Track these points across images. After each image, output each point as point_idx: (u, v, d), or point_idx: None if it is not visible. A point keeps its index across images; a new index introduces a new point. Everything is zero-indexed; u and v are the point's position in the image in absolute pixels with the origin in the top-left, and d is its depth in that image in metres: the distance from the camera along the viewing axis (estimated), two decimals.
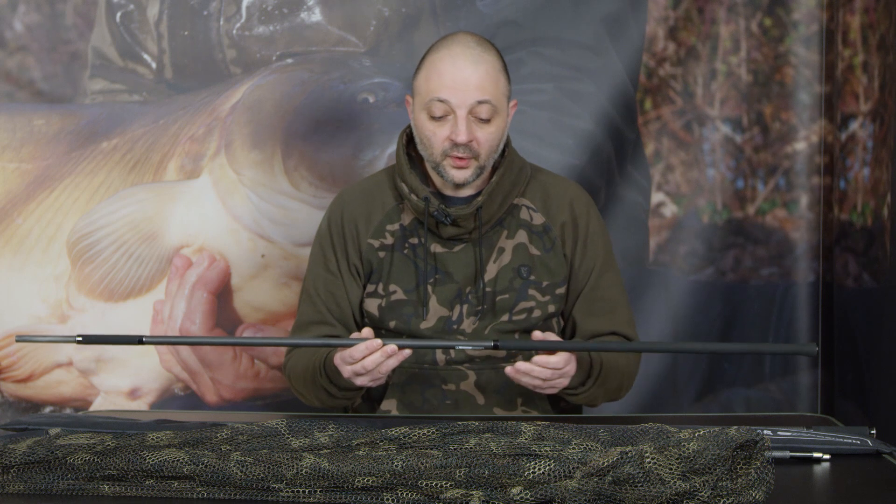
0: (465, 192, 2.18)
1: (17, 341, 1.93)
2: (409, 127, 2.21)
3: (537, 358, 1.97)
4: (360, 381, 1.99)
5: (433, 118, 2.11)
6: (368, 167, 2.92)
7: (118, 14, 3.02)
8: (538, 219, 2.20)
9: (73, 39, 3.03)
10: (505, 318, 2.16)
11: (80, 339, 1.90)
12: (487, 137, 2.11)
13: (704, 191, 3.05)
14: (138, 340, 1.91)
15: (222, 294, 3.00)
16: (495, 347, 1.94)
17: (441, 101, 2.09)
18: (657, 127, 3.04)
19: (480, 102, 2.09)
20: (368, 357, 1.93)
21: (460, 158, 2.10)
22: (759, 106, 3.04)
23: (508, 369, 1.99)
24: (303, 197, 2.96)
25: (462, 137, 2.08)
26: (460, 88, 2.08)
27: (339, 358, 1.99)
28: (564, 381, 2.03)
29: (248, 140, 2.98)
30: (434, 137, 2.11)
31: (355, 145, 2.96)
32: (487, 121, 2.10)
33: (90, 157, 3.02)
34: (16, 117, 3.03)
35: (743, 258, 3.06)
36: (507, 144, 2.19)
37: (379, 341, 1.92)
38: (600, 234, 2.24)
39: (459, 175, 2.12)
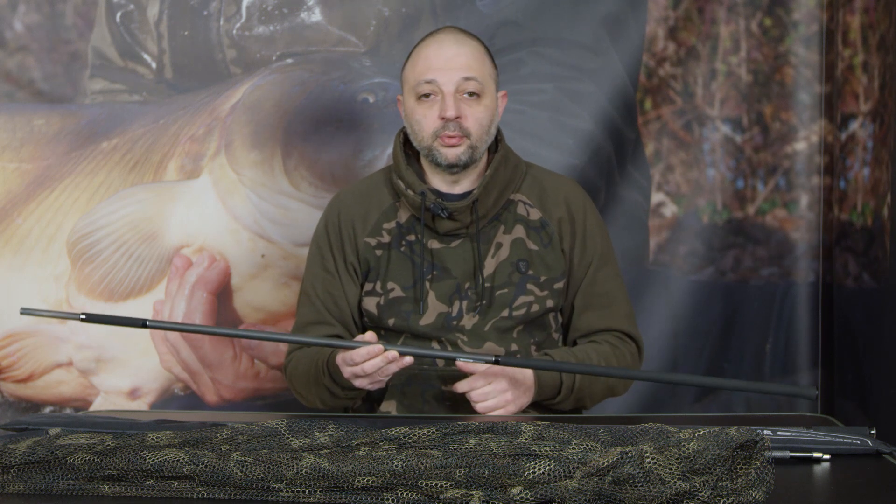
0: (461, 189, 2.19)
1: (21, 314, 1.94)
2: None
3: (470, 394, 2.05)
4: (359, 384, 1.99)
5: (422, 100, 2.13)
6: (368, 167, 2.92)
7: (118, 14, 3.02)
8: (535, 214, 2.21)
9: (73, 39, 3.03)
10: (505, 313, 2.16)
11: (83, 317, 1.90)
12: (476, 115, 2.13)
13: (704, 191, 3.05)
14: (142, 324, 1.92)
15: (222, 294, 3.00)
16: (496, 362, 1.96)
17: (428, 82, 2.12)
18: (657, 127, 3.04)
19: (467, 79, 2.13)
20: (369, 361, 1.93)
21: (451, 137, 2.11)
22: (759, 106, 3.04)
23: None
24: (303, 197, 2.96)
25: (450, 112, 2.11)
26: (446, 68, 2.13)
27: (340, 359, 1.99)
28: (520, 400, 2.07)
29: (248, 140, 2.98)
30: (424, 120, 2.13)
31: (355, 145, 2.96)
32: (475, 99, 2.13)
33: (90, 157, 3.02)
34: (16, 117, 3.03)
35: (743, 258, 3.06)
36: (500, 140, 2.21)
37: (381, 346, 1.92)
38: (598, 229, 2.25)
39: (451, 153, 2.13)
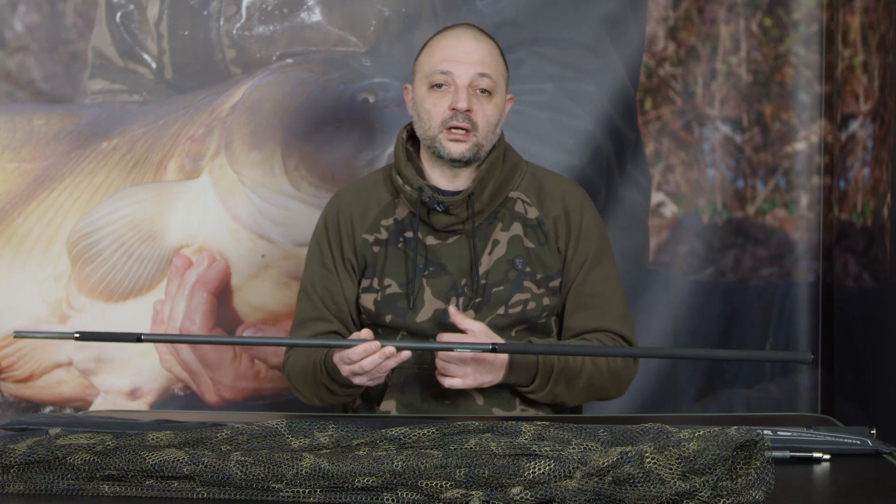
0: (460, 185, 2.19)
1: (14, 337, 1.93)
2: (410, 123, 2.23)
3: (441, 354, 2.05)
4: (357, 381, 1.99)
5: (435, 90, 2.14)
6: (368, 167, 2.92)
7: (118, 14, 3.02)
8: (532, 212, 2.21)
9: (73, 39, 3.03)
10: (501, 310, 2.16)
11: (77, 335, 1.90)
12: (485, 112, 2.14)
13: (704, 191, 3.05)
14: (136, 338, 1.91)
15: (222, 294, 3.00)
16: (493, 350, 1.95)
17: (444, 72, 2.13)
18: (657, 127, 3.04)
19: (482, 75, 2.14)
20: (366, 359, 1.93)
21: (459, 130, 2.11)
22: (759, 106, 3.04)
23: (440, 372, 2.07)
24: (303, 197, 2.96)
25: (462, 104, 2.11)
26: (462, 61, 2.13)
27: (337, 357, 1.99)
28: (483, 377, 2.07)
29: (248, 140, 2.98)
30: (434, 109, 2.14)
31: (355, 145, 2.96)
32: (487, 96, 2.14)
33: (90, 157, 3.02)
34: (16, 117, 3.03)
35: (743, 258, 3.06)
36: (500, 138, 2.21)
37: (377, 343, 1.92)
38: (594, 228, 2.24)
39: (456, 149, 2.13)
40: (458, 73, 2.13)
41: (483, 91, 2.14)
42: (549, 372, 2.11)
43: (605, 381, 2.16)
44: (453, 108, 2.12)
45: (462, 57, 2.14)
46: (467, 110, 2.12)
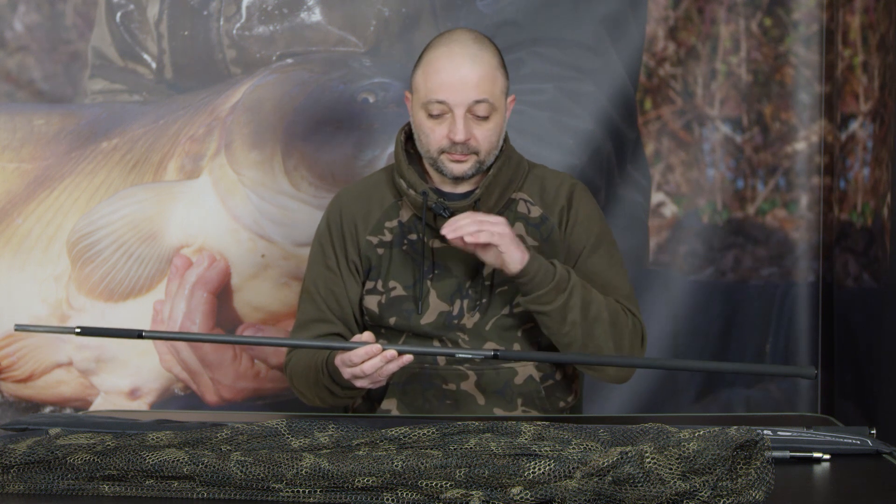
0: (463, 188, 2.18)
1: (15, 330, 1.94)
2: (408, 124, 2.22)
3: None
4: (359, 384, 1.99)
5: (431, 117, 2.11)
6: (368, 167, 2.92)
7: (118, 14, 3.02)
8: (535, 211, 2.21)
9: (73, 39, 3.03)
10: (505, 311, 2.16)
11: (78, 330, 1.90)
12: (486, 135, 2.11)
13: (704, 191, 3.05)
14: (138, 335, 1.91)
15: (222, 294, 3.00)
16: (495, 357, 1.94)
17: (439, 101, 2.09)
18: (657, 127, 3.04)
19: (478, 102, 2.09)
20: (367, 362, 1.93)
21: (458, 155, 2.11)
22: (759, 106, 3.04)
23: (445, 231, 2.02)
24: (303, 197, 2.96)
25: (460, 136, 2.08)
26: (458, 88, 2.08)
27: (339, 360, 1.99)
28: (500, 231, 2.03)
29: (248, 140, 2.98)
30: (432, 134, 2.11)
31: (355, 145, 2.96)
32: (485, 119, 2.11)
33: (90, 157, 3.02)
34: (16, 117, 3.03)
35: (743, 258, 3.06)
36: (505, 140, 2.20)
37: (378, 346, 1.92)
38: (593, 216, 2.23)
39: (458, 168, 2.12)
40: (454, 101, 2.08)
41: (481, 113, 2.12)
42: (569, 286, 2.08)
43: (611, 326, 2.13)
44: (451, 139, 2.10)
45: (457, 84, 2.08)
46: (466, 140, 2.10)
